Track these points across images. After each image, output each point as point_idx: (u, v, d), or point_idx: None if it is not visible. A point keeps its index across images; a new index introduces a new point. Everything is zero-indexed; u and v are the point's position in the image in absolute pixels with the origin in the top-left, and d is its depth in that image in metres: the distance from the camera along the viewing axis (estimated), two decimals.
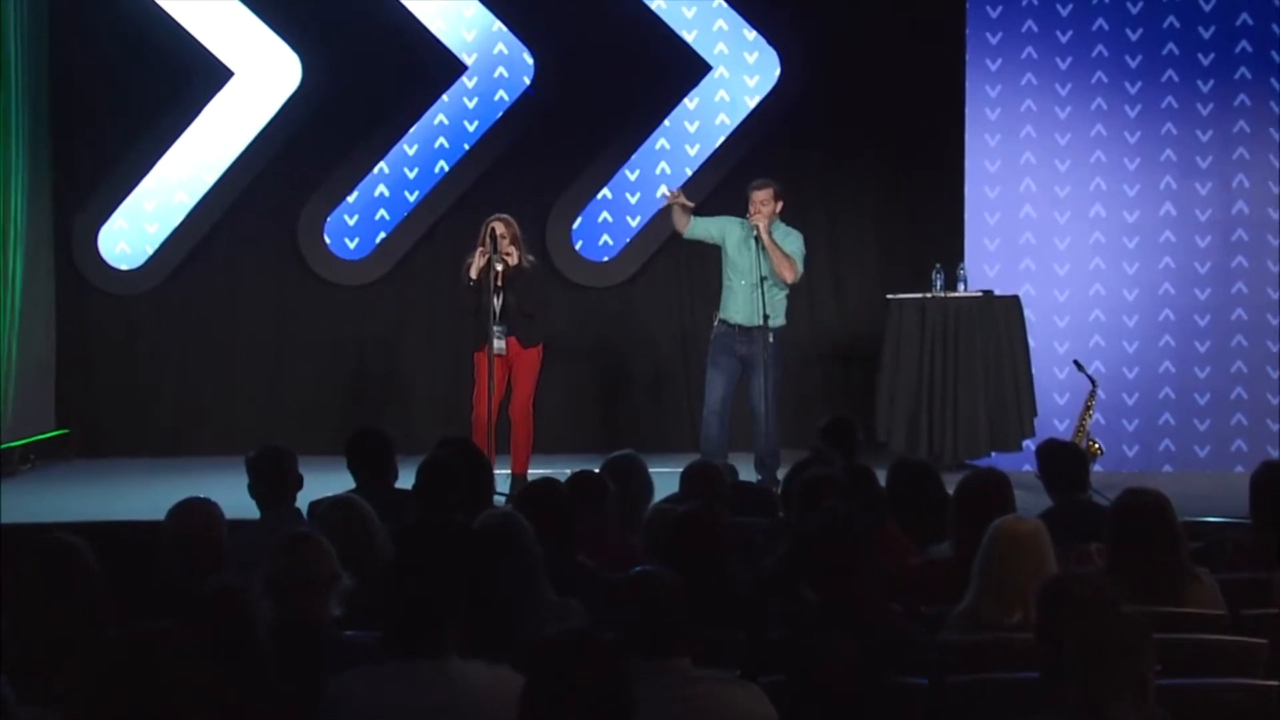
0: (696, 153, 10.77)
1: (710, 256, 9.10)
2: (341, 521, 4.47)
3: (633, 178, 10.82)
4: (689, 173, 10.73)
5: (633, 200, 10.82)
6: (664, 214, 9.34)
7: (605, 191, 10.80)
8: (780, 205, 8.73)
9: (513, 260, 8.46)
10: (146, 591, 4.21)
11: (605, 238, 10.86)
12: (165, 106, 10.54)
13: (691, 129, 10.78)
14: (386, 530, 4.52)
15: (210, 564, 4.33)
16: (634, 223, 10.83)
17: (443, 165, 10.76)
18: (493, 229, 8.48)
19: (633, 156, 10.77)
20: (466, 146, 10.73)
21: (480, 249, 8.53)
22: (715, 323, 8.82)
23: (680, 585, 3.44)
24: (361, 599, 3.90)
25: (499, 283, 8.43)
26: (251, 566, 3.92)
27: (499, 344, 8.50)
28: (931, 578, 4.57)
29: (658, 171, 10.79)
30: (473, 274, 8.49)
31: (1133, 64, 9.95)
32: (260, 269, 10.79)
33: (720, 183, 10.64)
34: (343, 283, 10.79)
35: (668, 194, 8.71)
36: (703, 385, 8.84)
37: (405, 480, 5.44)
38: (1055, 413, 9.79)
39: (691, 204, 8.75)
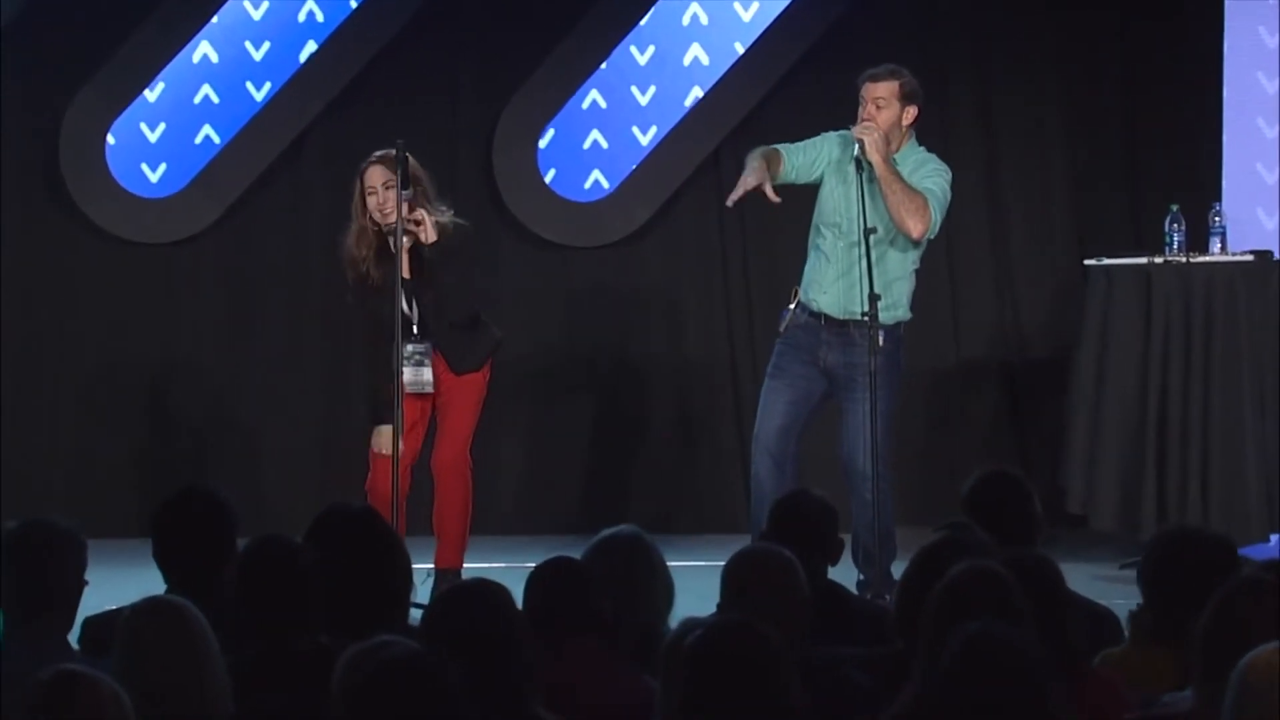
0: (752, 18, 10.80)
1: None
2: (156, 642, 4.52)
3: (643, 59, 10.86)
4: (739, 51, 10.77)
5: (643, 98, 10.88)
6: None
7: (594, 95, 10.86)
8: (913, 113, 8.73)
9: (427, 235, 8.48)
10: None
11: (593, 140, 10.88)
12: None
13: None
14: (225, 664, 4.59)
15: None
16: (645, 139, 10.86)
17: (311, 12, 10.78)
18: (368, 184, 8.46)
19: (638, 25, 10.79)
20: (352, 4, 10.77)
21: (360, 221, 8.53)
22: (791, 306, 8.82)
23: None
24: None
25: (406, 272, 8.42)
26: None
27: (421, 374, 8.52)
28: None
29: (686, 57, 10.84)
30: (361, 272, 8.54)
31: None
32: None
33: (789, 75, 10.70)
34: (140, 238, 10.84)
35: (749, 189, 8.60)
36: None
37: None
38: None
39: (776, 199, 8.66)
